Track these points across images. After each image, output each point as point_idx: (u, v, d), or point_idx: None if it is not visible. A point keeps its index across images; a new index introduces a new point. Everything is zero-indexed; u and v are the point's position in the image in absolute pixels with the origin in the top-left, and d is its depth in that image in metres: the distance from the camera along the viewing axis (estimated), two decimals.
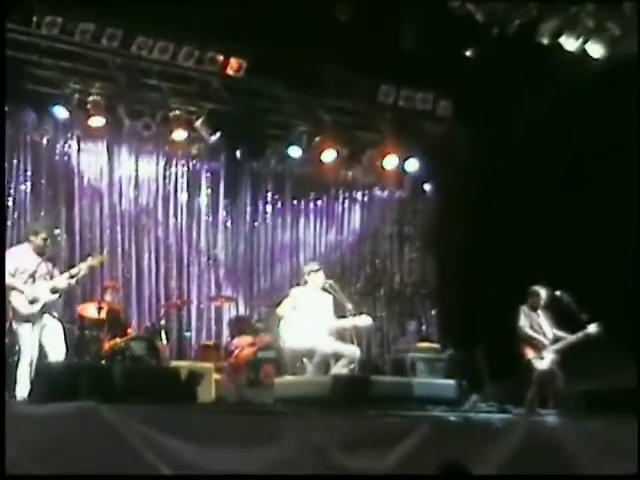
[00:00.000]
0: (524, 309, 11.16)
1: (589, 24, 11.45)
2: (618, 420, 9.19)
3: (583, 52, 11.58)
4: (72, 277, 9.73)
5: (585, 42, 11.53)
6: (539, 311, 11.22)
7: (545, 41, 11.50)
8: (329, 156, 13.83)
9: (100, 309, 10.97)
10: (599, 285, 11.88)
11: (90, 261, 10.17)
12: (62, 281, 9.61)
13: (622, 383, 10.25)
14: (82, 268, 9.97)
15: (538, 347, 11.02)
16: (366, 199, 14.99)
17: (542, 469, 8.61)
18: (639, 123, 12.03)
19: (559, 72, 11.83)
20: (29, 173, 12.33)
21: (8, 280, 9.39)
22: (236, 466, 7.56)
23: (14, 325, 9.47)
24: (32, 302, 9.32)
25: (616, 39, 11.58)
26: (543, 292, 11.21)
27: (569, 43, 11.50)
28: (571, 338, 11.07)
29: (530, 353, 10.99)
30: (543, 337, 11.08)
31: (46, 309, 9.39)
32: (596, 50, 11.58)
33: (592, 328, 10.88)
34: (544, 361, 10.96)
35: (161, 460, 7.26)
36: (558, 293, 11.09)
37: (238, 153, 13.50)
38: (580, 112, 12.59)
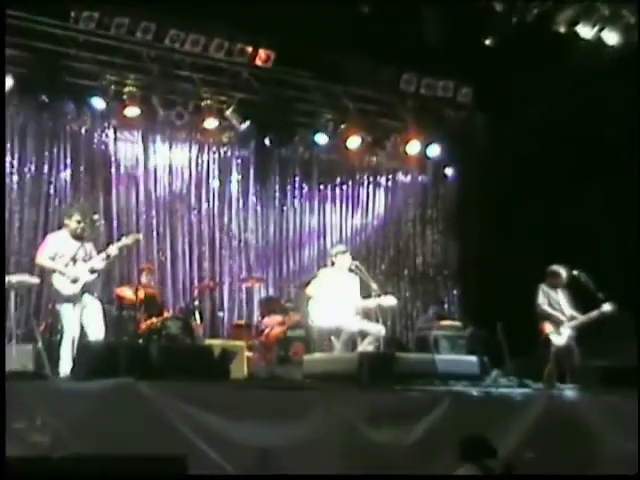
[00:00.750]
0: (543, 287, 11.14)
1: (604, 12, 11.37)
2: (632, 394, 9.18)
3: (599, 40, 11.50)
4: (108, 257, 9.77)
5: (601, 30, 11.45)
6: (557, 290, 11.19)
7: (562, 29, 11.43)
8: (354, 142, 13.81)
9: (137, 290, 11.04)
10: (615, 265, 11.84)
11: (124, 240, 10.22)
12: (99, 261, 9.66)
13: (635, 359, 10.24)
14: (116, 247, 10.02)
15: (556, 323, 11.00)
16: (390, 183, 14.96)
17: (560, 441, 8.62)
18: None
19: (576, 59, 11.74)
20: (69, 161, 12.38)
21: (49, 264, 9.46)
22: (267, 439, 7.61)
23: (57, 306, 9.55)
24: (73, 283, 9.38)
25: (631, 26, 11.49)
26: (562, 271, 11.18)
27: (585, 31, 11.43)
28: (587, 316, 11.04)
29: (548, 329, 10.97)
30: (561, 314, 11.06)
31: (86, 289, 9.43)
32: (611, 37, 11.50)
33: (607, 307, 10.86)
34: (561, 337, 10.94)
35: (196, 433, 7.32)
36: (576, 272, 11.05)
37: (267, 140, 13.49)
38: (596, 98, 12.51)
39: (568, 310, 11.10)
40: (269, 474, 7.21)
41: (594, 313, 10.98)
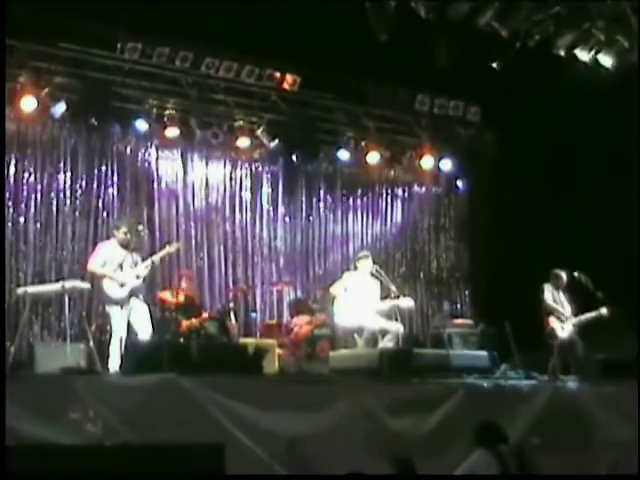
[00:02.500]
0: (547, 286, 11.12)
1: (601, 37, 11.34)
2: (629, 385, 9.13)
3: (596, 62, 11.47)
4: (152, 264, 9.86)
5: (597, 53, 11.42)
6: (560, 291, 11.16)
7: (562, 53, 11.41)
8: (373, 158, 13.80)
9: (178, 294, 11.09)
10: (613, 267, 11.79)
11: (167, 249, 10.30)
12: (144, 268, 9.73)
13: (632, 353, 10.19)
14: (160, 256, 10.10)
15: (560, 318, 10.97)
16: (406, 195, 14.91)
17: (563, 427, 8.59)
18: None
19: (574, 80, 11.71)
20: (115, 178, 12.41)
21: (99, 270, 9.55)
22: (296, 428, 7.62)
23: (107, 308, 9.62)
24: (121, 287, 9.45)
25: (625, 51, 11.46)
26: (563, 274, 11.15)
27: (583, 54, 11.41)
28: (586, 316, 11.00)
29: (553, 323, 10.93)
30: (564, 311, 11.02)
31: (133, 293, 9.50)
32: (607, 61, 11.47)
33: (604, 310, 10.84)
34: (565, 331, 10.91)
35: (232, 423, 7.36)
36: (577, 274, 11.02)
37: (294, 157, 13.50)
38: (594, 114, 12.48)
39: (568, 309, 11.07)
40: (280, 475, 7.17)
41: (592, 314, 10.96)
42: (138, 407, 7.12)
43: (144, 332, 9.39)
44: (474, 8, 10.67)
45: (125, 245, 9.67)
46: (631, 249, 12.65)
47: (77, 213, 12.04)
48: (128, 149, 12.56)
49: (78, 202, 12.07)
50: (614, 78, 11.56)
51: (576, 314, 11.04)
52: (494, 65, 11.54)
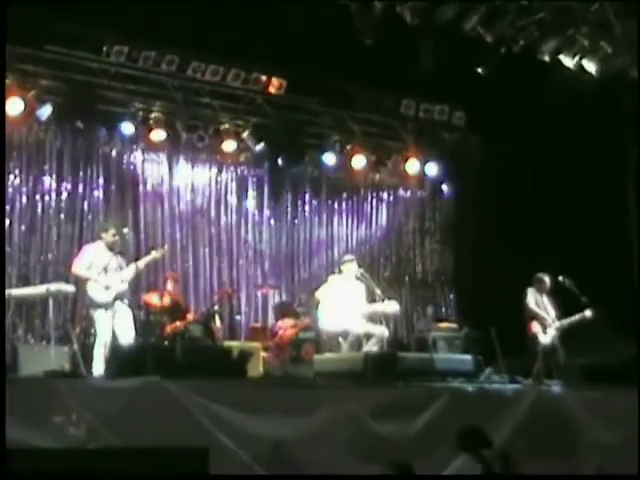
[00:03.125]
0: (531, 290, 11.12)
1: (584, 43, 11.37)
2: (613, 390, 9.15)
3: (580, 68, 11.50)
4: (137, 269, 9.81)
5: (581, 59, 11.45)
6: (543, 294, 11.16)
7: (546, 58, 11.43)
8: (359, 162, 13.79)
9: (162, 297, 11.04)
10: (596, 271, 11.82)
11: (154, 254, 10.26)
12: (129, 272, 9.68)
13: (616, 357, 10.21)
14: (146, 261, 10.06)
15: (543, 323, 10.97)
16: (391, 198, 14.91)
17: (547, 432, 8.58)
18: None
19: (559, 85, 11.74)
20: (101, 181, 12.37)
21: (84, 273, 9.48)
22: (280, 431, 7.58)
23: (91, 311, 9.54)
24: (105, 290, 9.39)
25: (608, 56, 11.50)
26: (547, 278, 11.16)
27: (567, 60, 11.44)
28: (569, 320, 11.01)
29: (535, 328, 10.93)
30: (547, 315, 11.03)
31: (118, 297, 9.44)
32: (591, 66, 11.51)
33: (588, 312, 10.86)
34: (547, 336, 10.91)
35: (216, 426, 7.31)
36: (561, 278, 11.03)
37: (280, 160, 13.47)
38: (578, 119, 12.52)
39: (552, 313, 11.08)
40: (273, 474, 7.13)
41: (576, 317, 10.97)
42: (122, 411, 7.07)
43: (128, 336, 9.32)
44: (459, 13, 10.68)
45: (112, 248, 9.61)
46: (616, 253, 12.72)
47: (62, 216, 12.00)
48: (114, 152, 12.52)
49: (63, 205, 12.03)
50: (598, 84, 11.60)
51: (560, 318, 11.04)
52: (479, 70, 11.56)
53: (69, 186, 12.10)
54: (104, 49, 11.58)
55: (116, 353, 8.48)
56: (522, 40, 11.22)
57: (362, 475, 6.69)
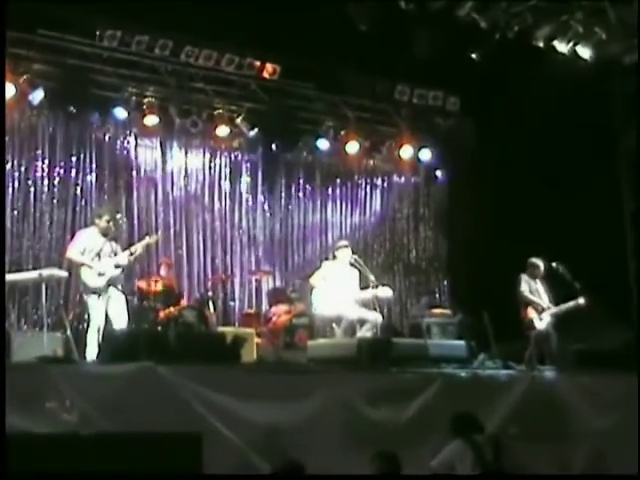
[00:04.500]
0: (524, 277, 11.10)
1: (579, 29, 11.37)
2: (605, 375, 9.17)
3: (573, 54, 11.50)
4: (132, 254, 9.79)
5: (575, 45, 11.45)
6: (537, 280, 11.16)
7: (540, 44, 11.43)
8: (353, 147, 13.78)
9: (156, 282, 11.03)
10: (590, 258, 11.83)
11: (147, 239, 10.25)
12: (124, 258, 9.66)
13: (609, 343, 10.23)
14: (140, 246, 10.04)
15: (537, 309, 10.98)
16: (385, 185, 14.90)
17: (540, 417, 8.61)
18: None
19: (553, 70, 11.73)
20: (94, 166, 12.32)
21: (78, 258, 9.47)
22: (274, 417, 7.59)
23: (84, 297, 9.54)
24: (99, 276, 9.38)
25: (602, 42, 11.50)
26: (541, 263, 11.16)
27: (561, 46, 11.43)
28: (563, 307, 11.02)
29: (531, 314, 10.94)
30: (540, 301, 11.04)
31: (111, 282, 9.43)
32: (585, 52, 11.50)
33: (581, 300, 10.86)
34: (542, 322, 10.92)
35: (210, 412, 7.31)
36: (554, 264, 11.03)
37: (274, 146, 13.46)
38: (572, 104, 12.51)
39: (546, 299, 11.08)
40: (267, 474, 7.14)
41: (570, 304, 10.98)
42: (115, 396, 7.06)
43: (121, 321, 9.32)
44: None
45: (105, 233, 9.59)
46: (609, 238, 12.74)
47: (55, 201, 11.95)
48: (107, 137, 12.49)
49: (56, 190, 11.98)
50: (592, 69, 11.60)
51: (553, 304, 11.05)
52: (473, 56, 11.55)
53: (62, 171, 12.05)
54: (97, 33, 11.53)
55: (109, 338, 8.47)
56: (516, 26, 11.24)
57: (362, 475, 6.69)
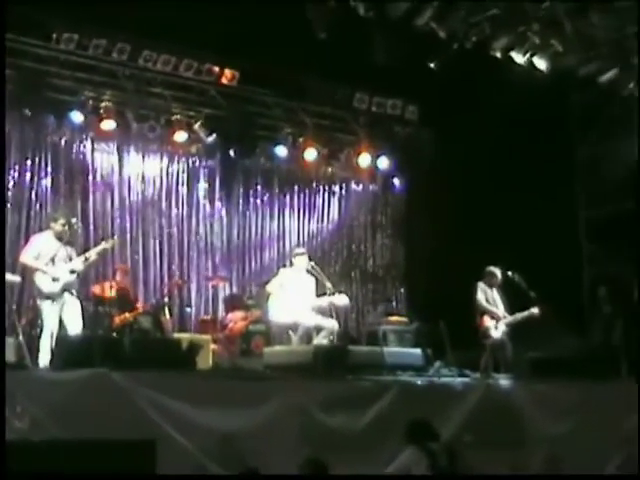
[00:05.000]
0: (480, 285, 11.17)
1: (535, 41, 11.48)
2: (560, 383, 9.25)
3: (530, 65, 11.62)
4: (87, 259, 9.69)
5: (532, 56, 11.57)
6: (493, 288, 11.24)
7: (498, 55, 11.53)
8: (311, 154, 13.77)
9: (111, 288, 10.92)
10: (545, 267, 11.95)
11: (104, 244, 10.15)
12: (79, 263, 9.56)
13: (563, 351, 10.34)
14: (96, 251, 9.94)
15: (493, 318, 11.04)
16: (343, 192, 14.93)
17: (497, 426, 8.66)
18: None
19: (510, 81, 11.84)
20: (49, 170, 12.18)
21: (32, 263, 9.34)
22: (230, 424, 7.55)
23: (38, 302, 9.40)
24: (53, 281, 9.26)
25: (558, 54, 11.64)
26: (498, 272, 11.23)
27: (519, 57, 11.54)
28: (517, 316, 11.10)
29: (486, 322, 11.00)
30: (497, 310, 11.11)
31: (66, 288, 9.32)
32: (541, 63, 11.63)
33: (535, 309, 10.95)
34: (497, 331, 10.98)
35: (164, 419, 7.26)
36: (510, 273, 11.11)
37: (231, 152, 13.41)
38: (528, 114, 12.65)
39: (501, 307, 11.16)
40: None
41: (525, 313, 11.06)
42: (68, 402, 6.99)
43: (76, 327, 9.21)
44: (413, 8, 10.72)
45: (61, 238, 9.48)
46: (565, 248, 12.88)
47: (9, 205, 11.77)
48: (62, 141, 12.36)
49: (10, 193, 11.81)
50: (548, 80, 11.74)
51: (508, 313, 11.13)
52: (432, 65, 11.61)
53: (16, 175, 11.89)
54: (54, 36, 11.41)
55: (63, 344, 8.36)
56: (474, 36, 11.32)
57: (361, 475, 6.68)
